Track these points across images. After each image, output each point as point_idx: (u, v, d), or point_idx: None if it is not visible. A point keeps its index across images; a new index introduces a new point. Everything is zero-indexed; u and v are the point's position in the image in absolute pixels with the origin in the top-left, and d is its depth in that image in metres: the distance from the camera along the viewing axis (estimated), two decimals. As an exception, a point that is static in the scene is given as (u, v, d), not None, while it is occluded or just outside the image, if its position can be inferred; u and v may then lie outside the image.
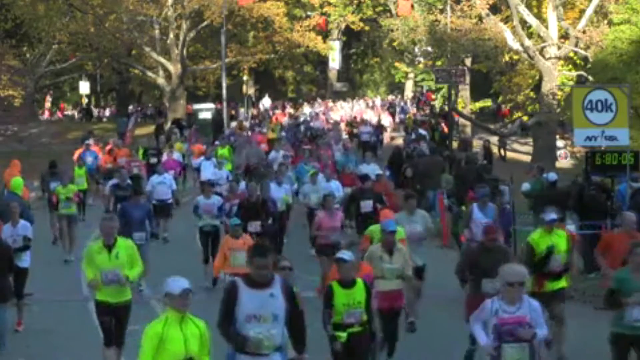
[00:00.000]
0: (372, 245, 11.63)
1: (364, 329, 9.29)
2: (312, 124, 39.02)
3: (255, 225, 15.61)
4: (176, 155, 27.08)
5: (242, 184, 19.62)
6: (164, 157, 26.43)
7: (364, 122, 38.77)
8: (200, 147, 29.07)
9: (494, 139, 39.35)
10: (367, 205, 16.90)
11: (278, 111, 47.51)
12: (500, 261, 9.37)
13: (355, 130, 38.68)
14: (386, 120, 42.68)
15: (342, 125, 40.41)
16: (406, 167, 24.32)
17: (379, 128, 38.26)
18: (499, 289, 8.09)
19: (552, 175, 18.81)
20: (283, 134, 34.27)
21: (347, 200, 17.53)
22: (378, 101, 49.45)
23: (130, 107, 52.40)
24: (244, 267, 11.63)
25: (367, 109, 44.87)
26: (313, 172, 20.35)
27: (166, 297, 7.18)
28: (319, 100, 49.48)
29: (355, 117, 42.52)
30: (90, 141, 28.28)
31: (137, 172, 24.85)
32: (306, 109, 46.58)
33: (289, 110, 47.05)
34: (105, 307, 10.50)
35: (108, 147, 28.11)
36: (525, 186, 19.81)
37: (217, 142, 30.51)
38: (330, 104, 47.96)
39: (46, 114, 53.60)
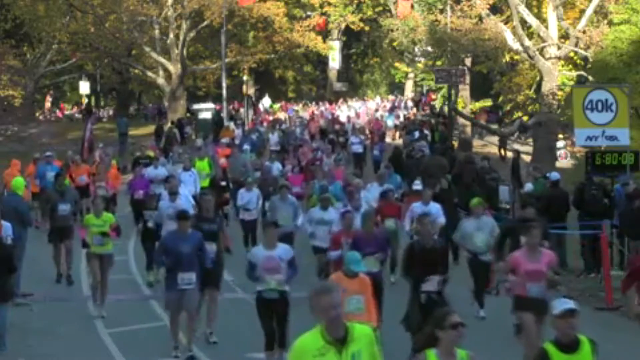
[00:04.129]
0: None
1: None
2: (297, 130, 35.61)
3: (435, 283, 10.84)
4: (160, 171, 22.16)
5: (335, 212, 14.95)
6: (147, 171, 21.99)
7: (353, 130, 35.11)
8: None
9: (494, 139, 39.42)
10: None
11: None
12: None
13: (342, 139, 34.48)
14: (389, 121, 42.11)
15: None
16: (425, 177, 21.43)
17: (381, 138, 35.02)
18: None
19: (555, 175, 18.78)
20: (247, 147, 29.60)
21: (501, 233, 13.04)
22: (373, 104, 49.06)
23: (95, 111, 49.97)
24: (360, 314, 9.62)
25: (363, 114, 43.46)
26: (478, 201, 14.40)
27: None
28: (341, 100, 48.89)
29: (333, 121, 38.54)
30: (50, 153, 23.57)
31: (104, 194, 20.90)
32: (303, 113, 45.74)
33: (280, 114, 45.56)
34: None
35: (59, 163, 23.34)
36: (528, 187, 19.80)
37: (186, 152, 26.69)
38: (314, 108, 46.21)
39: (45, 113, 53.63)
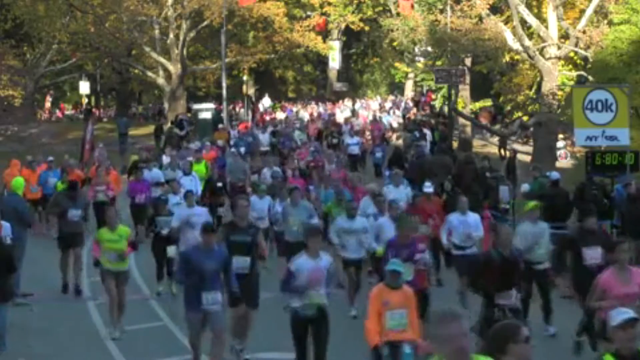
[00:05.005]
0: None
1: None
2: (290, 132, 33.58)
3: (512, 297, 9.84)
4: (155, 173, 21.39)
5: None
6: (144, 174, 21.01)
7: (351, 131, 33.26)
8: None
9: (495, 139, 39.43)
10: (594, 254, 10.97)
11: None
12: None
13: (335, 141, 32.52)
14: (392, 121, 41.68)
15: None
16: (440, 179, 20.89)
17: (383, 141, 32.85)
18: None
19: (555, 174, 18.78)
20: (233, 149, 27.71)
21: (559, 246, 11.94)
22: (376, 104, 48.92)
23: (93, 112, 48.67)
24: (403, 331, 8.84)
25: (363, 113, 42.89)
26: (535, 205, 13.36)
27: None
28: (343, 100, 48.48)
29: (335, 123, 36.94)
30: (52, 158, 22.25)
31: (103, 198, 19.68)
32: (302, 113, 45.28)
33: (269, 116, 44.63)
34: None
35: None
36: (525, 187, 19.78)
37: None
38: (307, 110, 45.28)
39: (46, 114, 53.62)
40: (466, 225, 14.09)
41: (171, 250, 14.68)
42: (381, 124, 38.46)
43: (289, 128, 35.28)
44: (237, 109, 48.81)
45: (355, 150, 30.34)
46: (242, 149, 27.21)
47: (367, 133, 35.88)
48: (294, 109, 47.46)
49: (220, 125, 35.27)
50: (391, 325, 8.74)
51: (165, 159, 24.65)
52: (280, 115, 45.33)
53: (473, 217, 14.33)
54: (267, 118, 43.15)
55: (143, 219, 18.56)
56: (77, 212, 15.29)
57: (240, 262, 11.03)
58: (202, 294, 10.17)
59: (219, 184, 20.26)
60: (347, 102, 48.11)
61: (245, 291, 10.97)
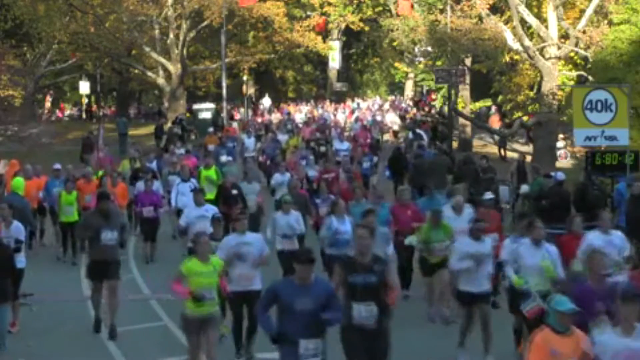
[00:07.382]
0: None
1: None
2: (279, 137, 30.94)
3: None
4: (155, 186, 18.88)
5: None
6: (138, 185, 19.19)
7: (340, 136, 30.42)
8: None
9: (492, 140, 39.42)
10: None
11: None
12: None
13: (323, 149, 30.06)
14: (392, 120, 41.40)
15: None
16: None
17: (373, 148, 29.42)
18: None
19: (560, 175, 18.79)
20: (226, 158, 24.62)
21: None
22: (376, 104, 48.86)
23: (101, 113, 48.31)
24: None
25: (365, 114, 42.20)
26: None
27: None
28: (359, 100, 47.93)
29: (323, 130, 33.69)
30: (59, 166, 19.59)
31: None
32: (298, 115, 44.43)
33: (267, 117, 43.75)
34: None
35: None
36: (524, 188, 19.78)
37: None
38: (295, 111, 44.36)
39: (46, 113, 53.66)
40: (612, 247, 10.71)
41: None
42: (374, 127, 36.84)
43: (279, 131, 32.86)
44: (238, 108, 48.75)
45: (346, 157, 26.31)
46: (224, 157, 24.17)
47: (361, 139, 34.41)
48: (289, 110, 47.20)
49: (210, 129, 32.84)
50: None
51: (152, 166, 22.01)
52: (278, 116, 44.97)
53: (619, 237, 11.16)
54: (259, 120, 42.74)
55: (154, 235, 17.61)
56: (113, 234, 12.60)
57: (364, 312, 8.46)
58: (300, 341, 8.02)
59: (234, 192, 17.39)
60: (355, 103, 47.94)
61: (373, 351, 8.57)
